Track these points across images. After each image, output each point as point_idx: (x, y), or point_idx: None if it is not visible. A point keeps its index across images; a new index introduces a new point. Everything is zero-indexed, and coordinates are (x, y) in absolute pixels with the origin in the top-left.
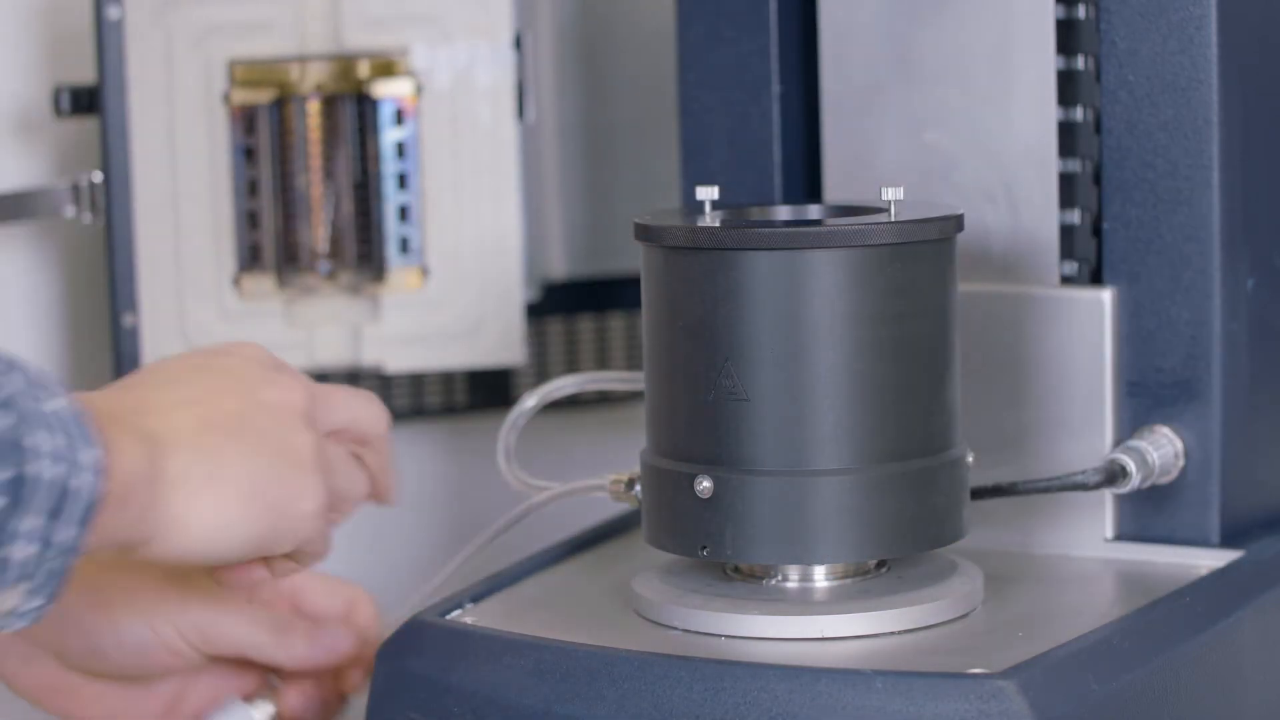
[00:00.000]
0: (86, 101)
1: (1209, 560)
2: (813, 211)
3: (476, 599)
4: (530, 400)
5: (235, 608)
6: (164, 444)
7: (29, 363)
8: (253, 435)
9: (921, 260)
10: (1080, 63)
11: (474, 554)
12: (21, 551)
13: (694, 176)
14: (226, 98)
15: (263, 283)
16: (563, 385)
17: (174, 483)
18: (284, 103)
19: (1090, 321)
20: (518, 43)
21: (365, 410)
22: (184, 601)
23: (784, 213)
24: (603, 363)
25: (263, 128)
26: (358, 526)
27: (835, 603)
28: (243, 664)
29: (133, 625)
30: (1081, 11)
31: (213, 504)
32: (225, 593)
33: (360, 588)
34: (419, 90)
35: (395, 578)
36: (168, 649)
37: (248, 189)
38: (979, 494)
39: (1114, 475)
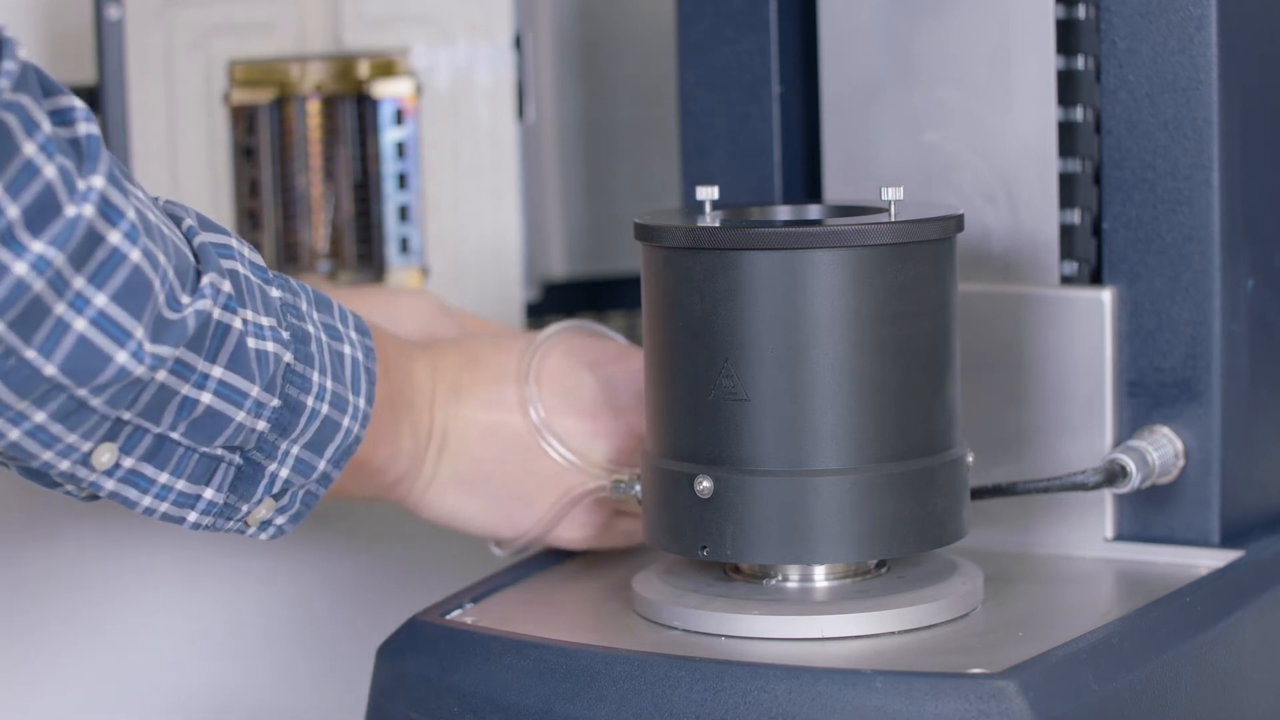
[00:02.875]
0: (86, 101)
1: (1209, 560)
2: (813, 211)
3: (477, 599)
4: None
5: None
6: (439, 440)
7: (334, 304)
8: (531, 459)
9: (921, 260)
10: (1080, 63)
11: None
12: (284, 471)
13: (694, 176)
14: (226, 98)
15: None
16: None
17: (428, 476)
18: (284, 103)
19: (1090, 321)
20: (518, 43)
21: None
22: None
23: (784, 213)
24: None
25: (263, 128)
26: (362, 525)
27: (835, 603)
28: None
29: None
30: (1081, 11)
31: (454, 503)
32: None
33: None
34: (419, 90)
35: (396, 575)
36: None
37: (248, 189)
38: (979, 494)
39: (1114, 475)
